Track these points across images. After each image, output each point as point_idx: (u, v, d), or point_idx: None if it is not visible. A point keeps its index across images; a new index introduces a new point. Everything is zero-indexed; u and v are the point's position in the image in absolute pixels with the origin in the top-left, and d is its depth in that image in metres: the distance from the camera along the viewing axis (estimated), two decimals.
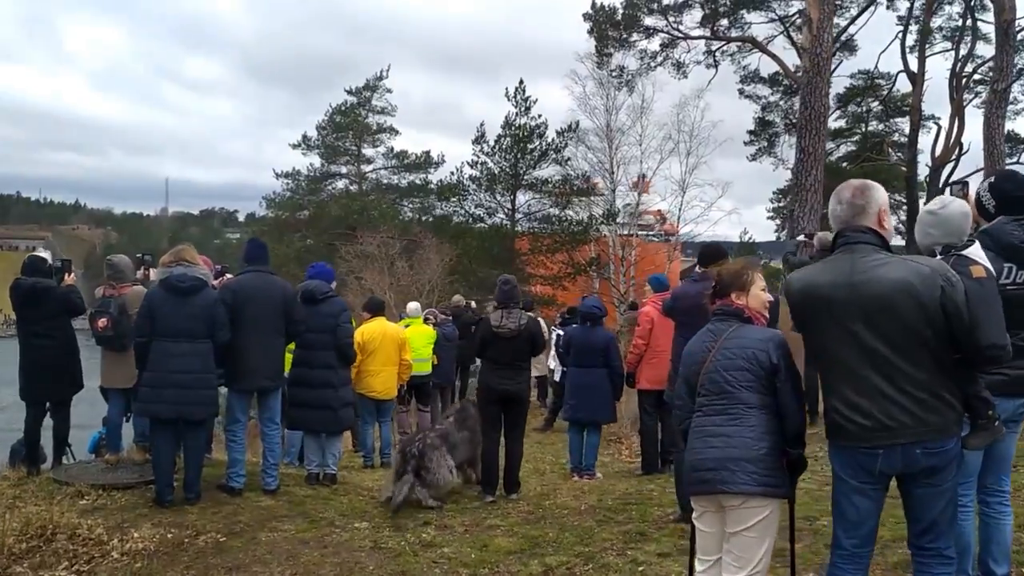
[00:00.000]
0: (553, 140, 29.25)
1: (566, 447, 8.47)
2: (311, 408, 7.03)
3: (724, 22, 29.24)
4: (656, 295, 7.95)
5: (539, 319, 12.94)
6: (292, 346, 7.05)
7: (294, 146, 33.94)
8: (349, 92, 34.23)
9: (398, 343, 8.97)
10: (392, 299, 19.13)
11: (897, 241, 33.62)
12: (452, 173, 29.95)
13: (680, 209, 31.38)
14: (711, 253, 5.55)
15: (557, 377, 12.43)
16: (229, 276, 7.98)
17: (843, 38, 28.31)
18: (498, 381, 6.70)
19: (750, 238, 36.86)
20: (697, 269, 5.87)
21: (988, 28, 27.03)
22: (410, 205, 33.73)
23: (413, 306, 11.23)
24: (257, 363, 6.47)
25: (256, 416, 7.04)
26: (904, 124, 31.07)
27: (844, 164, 32.40)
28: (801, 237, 8.78)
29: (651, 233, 35.43)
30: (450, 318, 12.48)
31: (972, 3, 27.36)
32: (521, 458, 6.96)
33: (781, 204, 38.65)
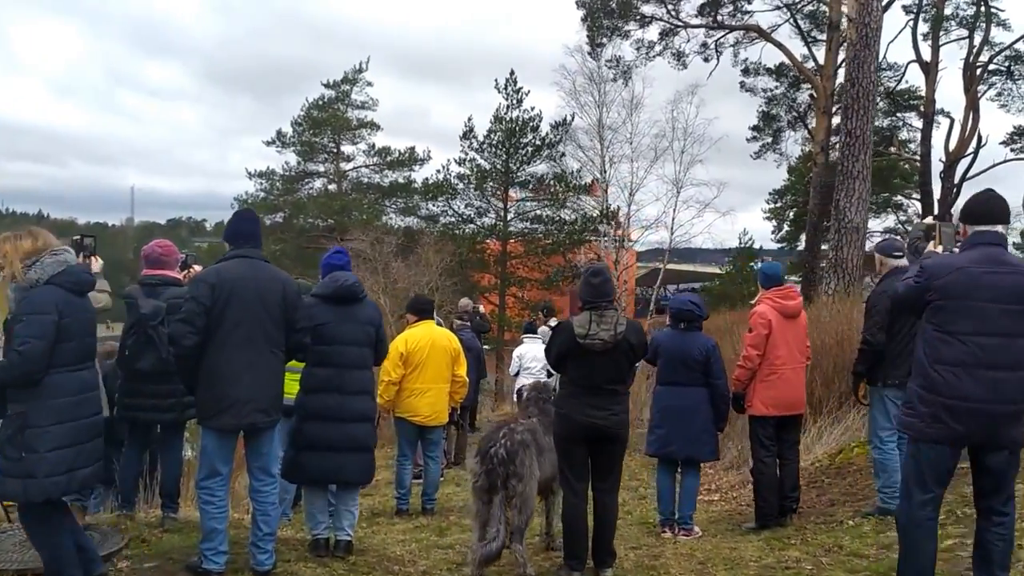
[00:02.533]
0: (547, 135, 27.36)
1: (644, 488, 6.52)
2: (338, 451, 5.17)
3: (726, 10, 27.60)
4: (771, 291, 6.04)
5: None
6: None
7: (268, 143, 31.81)
8: (327, 86, 32.17)
9: (450, 354, 7.15)
10: (387, 304, 17.11)
11: None
12: (438, 171, 27.97)
13: (675, 209, 29.66)
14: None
15: None
16: (198, 267, 6.01)
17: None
18: (585, 412, 4.75)
19: (750, 239, 35.25)
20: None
21: (1005, 14, 25.72)
22: (393, 205, 31.64)
23: None
24: (247, 389, 4.53)
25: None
26: (912, 118, 29.65)
27: None
28: (930, 222, 6.83)
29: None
30: (468, 324, 10.53)
31: None
32: (616, 516, 5.02)
33: (778, 205, 37.26)
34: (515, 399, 10.69)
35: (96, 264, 5.79)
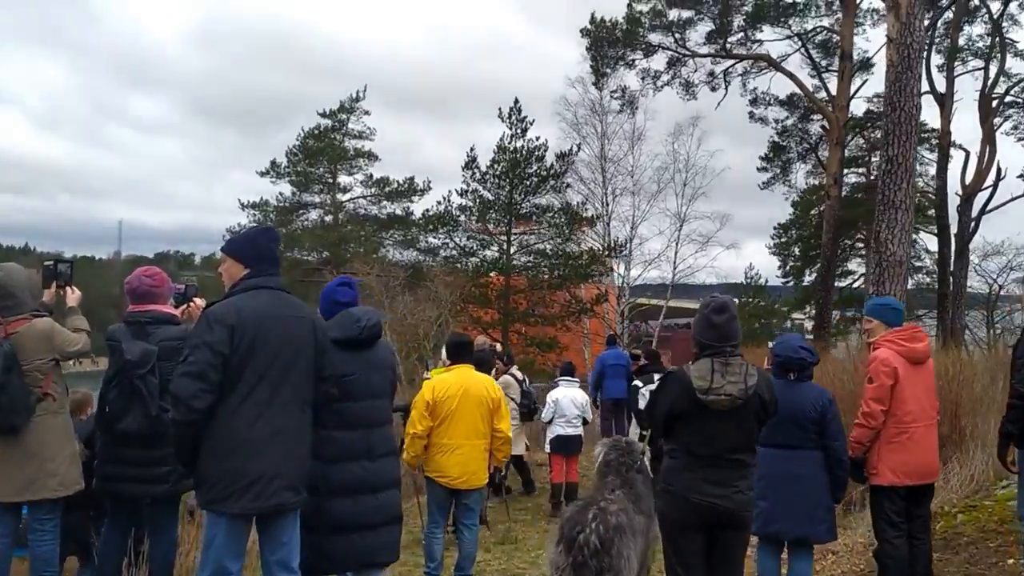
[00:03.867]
0: (552, 165, 26.44)
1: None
2: (372, 528, 4.19)
3: (734, 39, 26.93)
4: (893, 332, 4.99)
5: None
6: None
7: (262, 173, 30.76)
8: (323, 115, 31.23)
9: (488, 405, 6.04)
10: (395, 341, 15.95)
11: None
12: (439, 202, 26.92)
13: (677, 243, 28.71)
14: None
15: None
16: (200, 301, 4.95)
17: (858, 57, 26.15)
18: (703, 490, 3.68)
19: (756, 274, 34.33)
20: None
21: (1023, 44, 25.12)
22: (391, 238, 30.55)
23: None
24: (273, 461, 3.54)
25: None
26: (924, 151, 28.93)
27: (859, 195, 30.16)
28: None
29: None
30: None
31: (999, 18, 25.42)
32: None
33: (783, 240, 36.45)
34: (547, 449, 9.57)
35: (72, 296, 4.72)
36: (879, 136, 29.46)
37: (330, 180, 31.34)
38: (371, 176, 31.38)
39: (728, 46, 26.89)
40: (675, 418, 3.75)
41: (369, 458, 4.28)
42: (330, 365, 3.85)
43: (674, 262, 28.75)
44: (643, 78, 27.93)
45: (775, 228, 35.66)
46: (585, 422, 9.67)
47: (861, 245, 35.08)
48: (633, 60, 27.96)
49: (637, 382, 9.58)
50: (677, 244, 28.67)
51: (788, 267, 36.49)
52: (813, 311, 34.60)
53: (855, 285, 35.24)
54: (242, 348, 3.51)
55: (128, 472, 4.41)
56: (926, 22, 16.09)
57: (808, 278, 36.37)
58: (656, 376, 9.53)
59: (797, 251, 36.37)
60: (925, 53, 13.95)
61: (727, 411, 3.61)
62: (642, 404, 9.29)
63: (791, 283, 36.66)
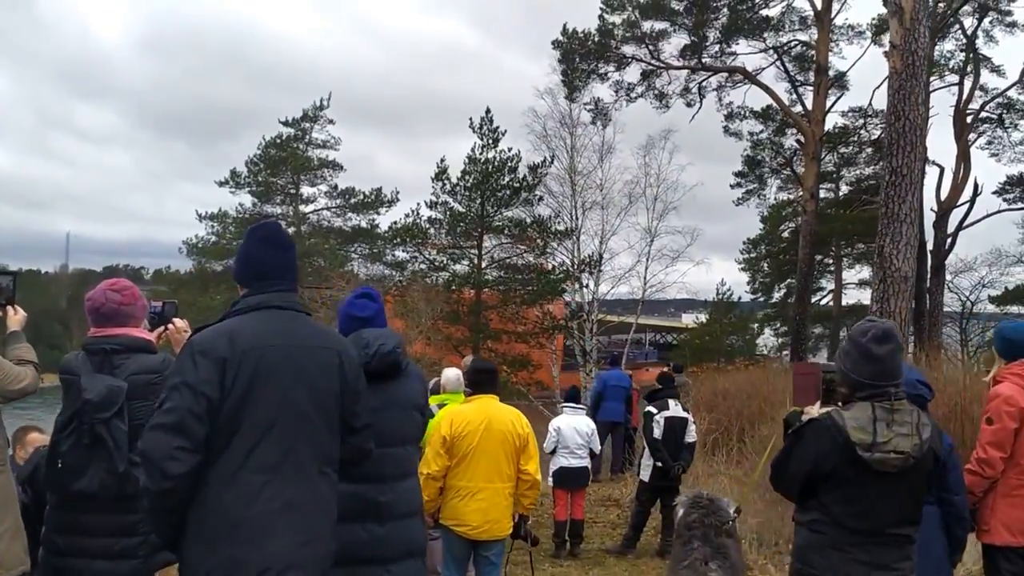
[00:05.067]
0: (525, 177, 25.66)
1: None
2: None
3: (710, 51, 26.50)
4: (1017, 364, 4.21)
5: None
6: None
7: (221, 183, 29.42)
8: (285, 123, 30.01)
9: (514, 442, 5.17)
10: None
11: None
12: (407, 215, 25.95)
13: (648, 259, 28.12)
14: None
15: (645, 477, 8.61)
16: (181, 323, 4.00)
17: (833, 73, 25.87)
18: (862, 573, 2.80)
19: (728, 291, 33.86)
20: None
21: (999, 59, 25.06)
22: (357, 251, 29.42)
23: (452, 374, 7.02)
24: (284, 546, 2.63)
25: None
26: None
27: (831, 210, 29.92)
28: None
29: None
30: None
31: (973, 34, 25.37)
32: None
33: (752, 255, 36.14)
34: (550, 482, 8.64)
35: (15, 318, 3.74)
36: (852, 151, 29.62)
37: (292, 191, 30.13)
38: (336, 187, 30.31)
39: (703, 59, 26.46)
40: (821, 479, 2.88)
41: (378, 520, 3.38)
42: (365, 412, 2.93)
43: (644, 277, 28.17)
44: (616, 90, 27.43)
45: (744, 243, 35.43)
46: (593, 454, 8.80)
47: (831, 261, 35.02)
48: (606, 72, 27.44)
49: (651, 408, 8.70)
50: (648, 259, 28.08)
51: (757, 283, 36.24)
52: (783, 327, 34.54)
53: (823, 302, 35.10)
54: (237, 390, 2.57)
55: (86, 545, 3.41)
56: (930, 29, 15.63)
57: (777, 294, 36.23)
58: (672, 402, 8.73)
59: (766, 267, 36.14)
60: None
61: (896, 473, 2.77)
62: (657, 432, 8.48)
63: (761, 299, 36.39)
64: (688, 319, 47.72)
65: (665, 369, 11.33)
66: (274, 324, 2.76)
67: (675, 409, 8.67)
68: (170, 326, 3.95)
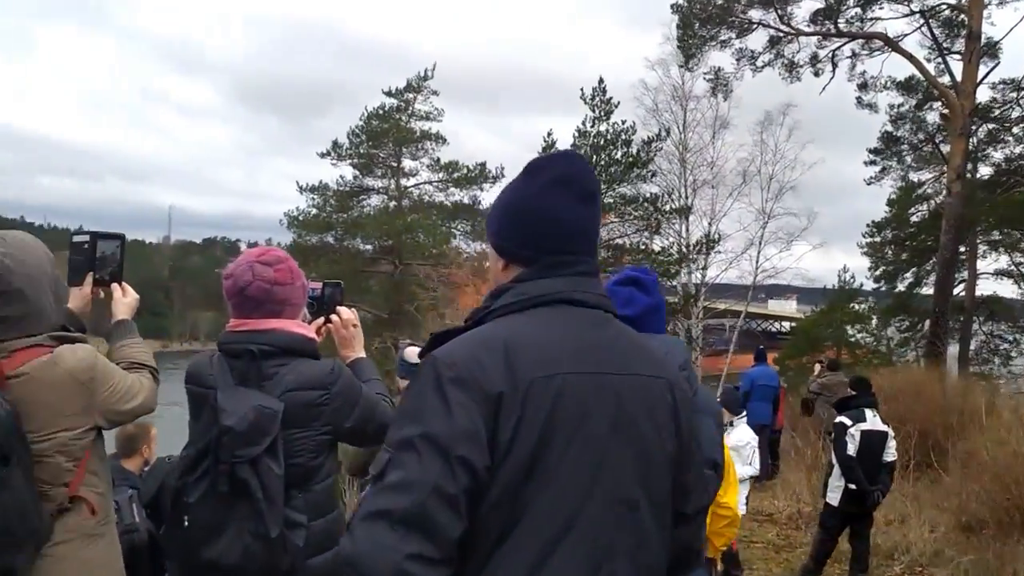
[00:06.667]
0: (638, 152, 24.11)
1: None
2: None
3: (846, 16, 24.29)
4: None
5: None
6: None
7: (322, 155, 28.68)
8: (388, 94, 29.02)
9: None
10: None
11: None
12: None
13: (761, 241, 26.26)
14: None
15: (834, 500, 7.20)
16: (348, 312, 2.81)
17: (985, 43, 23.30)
18: None
19: (851, 277, 31.47)
20: None
21: None
22: (459, 227, 28.41)
23: None
24: None
25: None
26: None
27: (980, 193, 27.24)
28: None
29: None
30: None
31: None
32: None
33: (876, 240, 33.62)
34: None
35: (124, 301, 2.59)
36: (998, 128, 26.87)
37: (394, 164, 29.24)
38: (438, 160, 29.28)
39: (839, 24, 24.30)
40: None
41: None
42: (699, 487, 1.66)
43: (756, 261, 26.35)
44: (738, 59, 25.53)
45: (868, 227, 32.91)
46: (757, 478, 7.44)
47: (964, 249, 32.24)
48: (728, 39, 25.59)
49: (843, 418, 7.26)
50: (760, 242, 26.27)
51: (880, 270, 33.70)
52: (905, 319, 32.02)
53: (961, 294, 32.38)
54: (520, 452, 1.41)
55: None
56: None
57: (900, 284, 33.65)
58: (869, 412, 7.29)
59: (890, 253, 33.57)
60: None
61: None
62: (851, 448, 7.06)
63: (883, 288, 33.88)
64: (775, 305, 45.34)
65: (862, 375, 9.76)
66: (575, 333, 1.52)
67: (873, 421, 7.27)
68: (333, 318, 2.77)
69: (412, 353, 4.65)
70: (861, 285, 32.33)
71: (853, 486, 7.03)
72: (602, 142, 23.94)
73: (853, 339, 29.66)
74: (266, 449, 2.24)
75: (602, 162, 23.91)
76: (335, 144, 28.81)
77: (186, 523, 2.27)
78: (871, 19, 24.31)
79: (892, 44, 23.80)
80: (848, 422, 7.21)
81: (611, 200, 24.25)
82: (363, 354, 2.72)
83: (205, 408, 2.33)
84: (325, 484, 2.40)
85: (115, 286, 2.58)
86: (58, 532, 2.12)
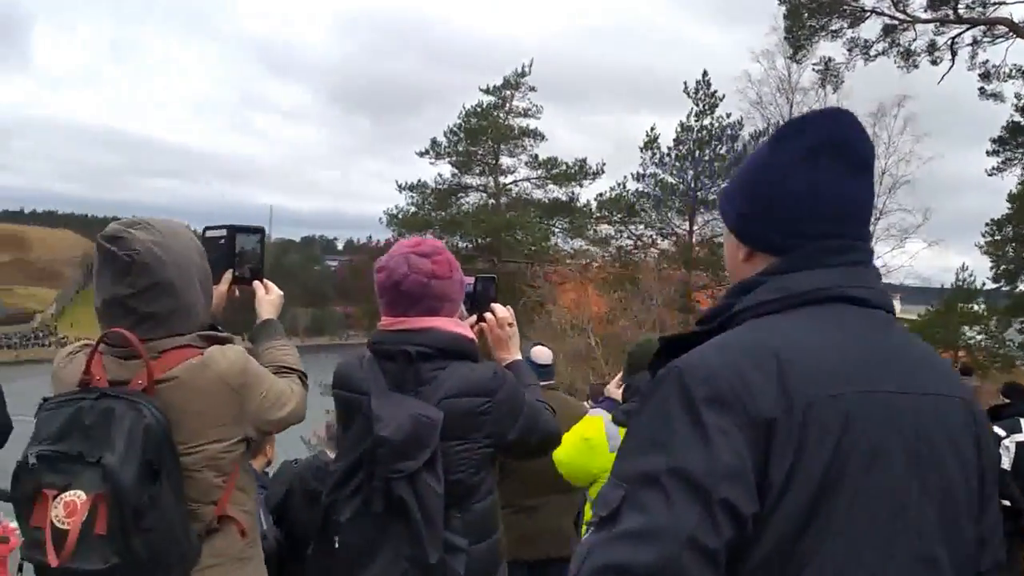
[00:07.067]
0: (744, 147, 23.40)
1: None
2: None
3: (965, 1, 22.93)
4: None
5: None
6: None
7: (421, 154, 28.95)
8: (485, 91, 29.08)
9: None
10: (599, 347, 13.50)
11: None
12: (613, 188, 24.36)
13: (873, 238, 25.07)
14: None
15: None
16: (503, 310, 2.57)
17: None
18: None
19: (971, 275, 29.82)
20: None
21: None
22: (558, 225, 28.10)
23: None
24: None
25: None
26: None
27: None
28: None
29: None
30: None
31: None
32: None
33: (997, 237, 31.80)
34: None
35: (268, 299, 2.40)
36: None
37: (492, 161, 29.19)
38: (536, 157, 29.08)
39: (958, 9, 22.97)
40: None
41: None
42: (998, 532, 1.35)
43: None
44: (850, 48, 24.44)
45: (987, 224, 31.14)
46: None
47: None
48: (840, 28, 24.54)
49: (998, 428, 6.69)
50: (873, 239, 25.08)
51: (1000, 269, 31.87)
52: None
53: None
54: (799, 495, 1.10)
55: None
56: None
57: (1022, 283, 31.74)
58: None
59: (1011, 251, 31.70)
60: None
61: None
62: (1006, 462, 6.51)
63: (1002, 287, 32.04)
64: None
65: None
66: (858, 340, 1.22)
67: None
68: (487, 316, 2.53)
69: (540, 353, 4.32)
70: (983, 285, 30.67)
71: (1007, 503, 6.48)
72: (706, 136, 23.35)
73: (972, 341, 28.09)
74: (425, 464, 2.03)
75: (706, 158, 23.35)
76: (433, 142, 29.04)
77: (336, 544, 2.08)
78: (994, 4, 22.89)
79: (1017, 30, 22.33)
80: (1002, 433, 6.65)
81: (714, 198, 23.68)
82: (519, 356, 2.49)
83: (356, 416, 2.14)
84: (485, 503, 2.17)
85: (257, 284, 2.41)
86: (206, 556, 1.92)
